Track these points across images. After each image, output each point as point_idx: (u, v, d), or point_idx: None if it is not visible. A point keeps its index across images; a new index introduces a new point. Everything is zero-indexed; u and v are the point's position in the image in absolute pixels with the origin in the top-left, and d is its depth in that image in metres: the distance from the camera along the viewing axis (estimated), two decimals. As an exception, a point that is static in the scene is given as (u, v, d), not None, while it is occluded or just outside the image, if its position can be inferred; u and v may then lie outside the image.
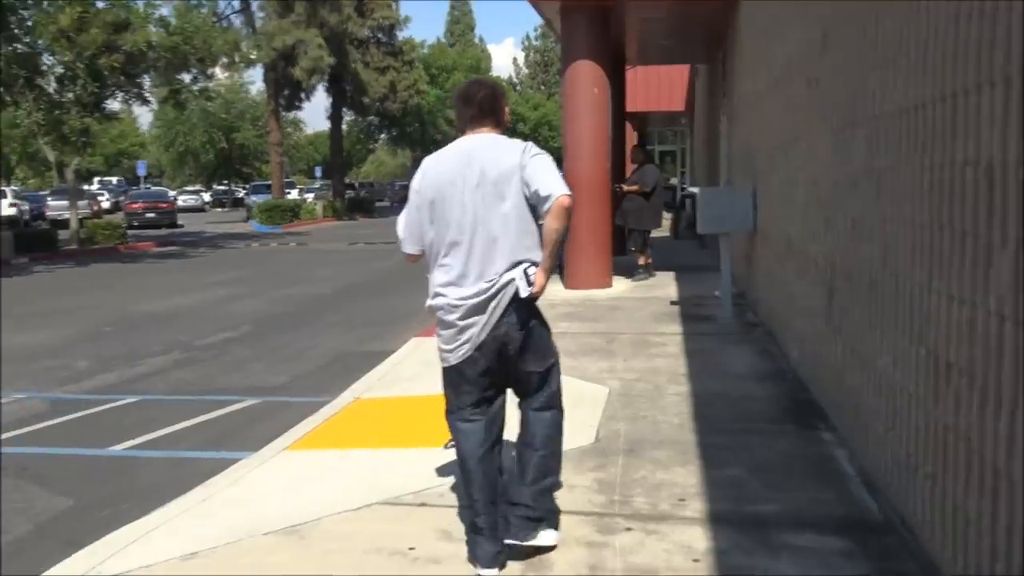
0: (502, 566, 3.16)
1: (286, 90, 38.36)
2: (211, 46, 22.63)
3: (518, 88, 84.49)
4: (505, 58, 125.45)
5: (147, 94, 23.39)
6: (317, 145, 69.12)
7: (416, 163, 35.81)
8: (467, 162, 3.10)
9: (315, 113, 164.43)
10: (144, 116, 62.18)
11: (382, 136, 55.34)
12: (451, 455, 4.59)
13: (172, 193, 59.24)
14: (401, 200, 46.80)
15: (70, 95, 21.12)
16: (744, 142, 9.50)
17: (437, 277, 3.19)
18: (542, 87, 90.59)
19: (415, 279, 14.67)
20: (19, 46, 19.90)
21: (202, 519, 3.82)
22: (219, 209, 52.89)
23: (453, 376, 3.31)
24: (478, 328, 3.12)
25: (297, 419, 5.54)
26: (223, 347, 8.54)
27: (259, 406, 6.22)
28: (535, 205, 3.06)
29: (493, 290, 3.08)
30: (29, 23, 20.48)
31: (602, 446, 4.64)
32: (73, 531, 4.04)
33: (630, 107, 17.19)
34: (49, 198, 35.34)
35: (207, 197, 56.40)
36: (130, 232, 30.62)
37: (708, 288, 10.21)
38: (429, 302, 3.29)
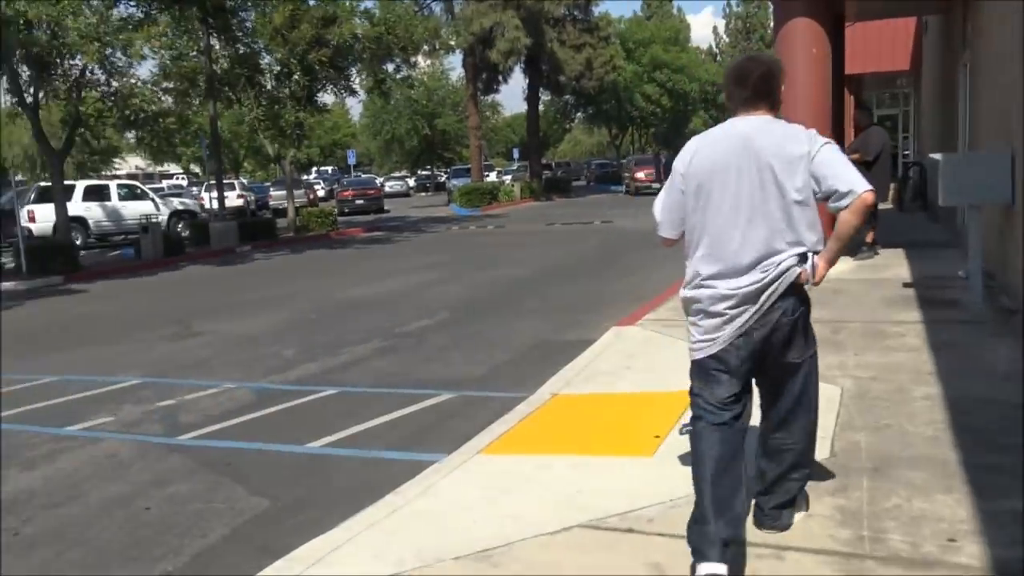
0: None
1: (484, 74, 38.86)
2: (412, 34, 23.12)
3: (718, 58, 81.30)
4: (704, 28, 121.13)
5: (354, 85, 24.31)
6: (515, 127, 70.02)
7: (613, 140, 35.22)
8: (742, 147, 2.94)
9: (512, 95, 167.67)
10: (356, 107, 65.53)
11: (578, 115, 55.03)
12: (659, 466, 4.10)
13: (379, 180, 62.40)
14: (597, 179, 46.34)
15: (285, 91, 22.33)
16: (997, 99, 8.16)
17: (701, 267, 3.01)
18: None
19: (612, 262, 14.31)
20: (240, 47, 21.22)
21: (389, 536, 3.54)
22: (423, 194, 54.82)
23: (709, 366, 3.09)
24: (747, 315, 2.95)
25: (492, 416, 5.24)
26: (421, 335, 8.46)
27: (455, 401, 5.98)
28: (826, 197, 2.90)
29: (769, 279, 2.92)
30: (248, 24, 21.85)
31: (840, 462, 3.95)
32: (266, 536, 3.92)
33: (848, 68, 15.66)
34: (272, 188, 37.95)
35: (411, 182, 58.63)
36: (341, 218, 32.36)
37: (946, 268, 8.95)
38: (687, 292, 3.12)
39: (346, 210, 33.90)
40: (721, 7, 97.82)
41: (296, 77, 21.76)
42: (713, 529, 2.82)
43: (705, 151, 3.01)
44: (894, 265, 9.73)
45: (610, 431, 4.81)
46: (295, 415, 5.92)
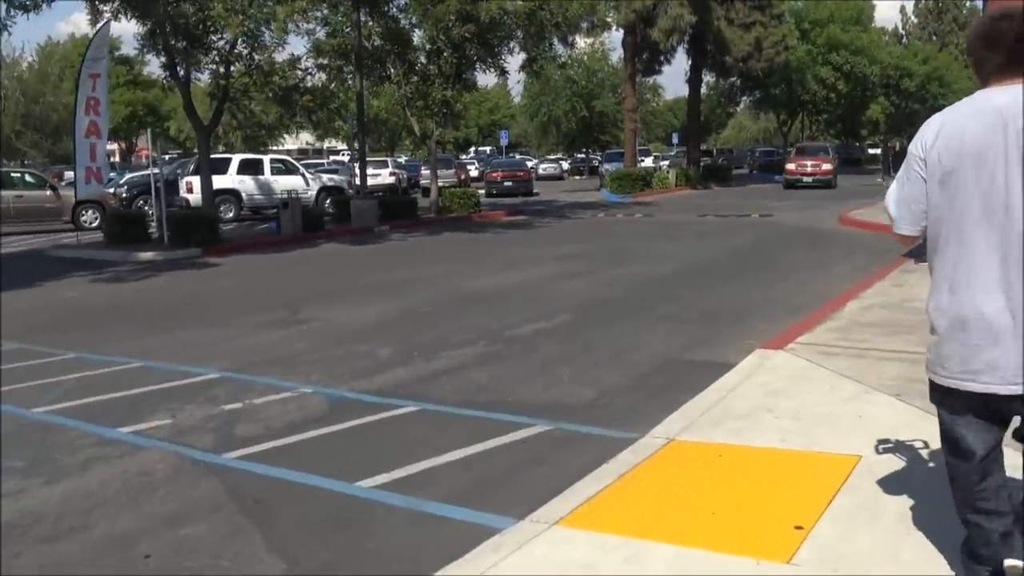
0: None
1: (644, 54, 37.15)
2: (567, 10, 22.01)
3: (904, 40, 75.29)
4: (890, 11, 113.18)
5: (505, 64, 23.46)
6: (676, 111, 67.51)
7: (781, 127, 32.62)
8: (1003, 125, 2.39)
9: (674, 77, 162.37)
10: (517, 87, 65.04)
11: (744, 99, 52.14)
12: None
13: (532, 162, 61.84)
14: (761, 168, 43.72)
15: (433, 68, 21.80)
16: None
17: (957, 275, 2.47)
18: (933, 37, 79.86)
19: (767, 263, 12.74)
20: (389, 22, 20.83)
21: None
22: (577, 177, 53.71)
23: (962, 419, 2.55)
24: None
25: (588, 464, 4.17)
26: (532, 341, 7.43)
27: (548, 436, 4.91)
28: None
29: None
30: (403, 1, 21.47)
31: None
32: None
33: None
34: (423, 167, 37.95)
35: (566, 165, 57.64)
36: (488, 200, 31.84)
37: None
38: (935, 315, 2.55)
39: (494, 191, 33.34)
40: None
41: (445, 55, 21.18)
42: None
43: (956, 130, 2.46)
44: None
45: (734, 508, 3.61)
46: (360, 437, 5.04)
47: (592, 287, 10.36)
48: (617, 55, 48.05)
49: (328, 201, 24.30)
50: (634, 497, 3.80)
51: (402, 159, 47.03)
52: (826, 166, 31.78)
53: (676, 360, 6.59)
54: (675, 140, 52.86)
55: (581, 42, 41.86)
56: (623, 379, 6.10)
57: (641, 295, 9.69)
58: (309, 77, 22.36)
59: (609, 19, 27.98)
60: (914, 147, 2.58)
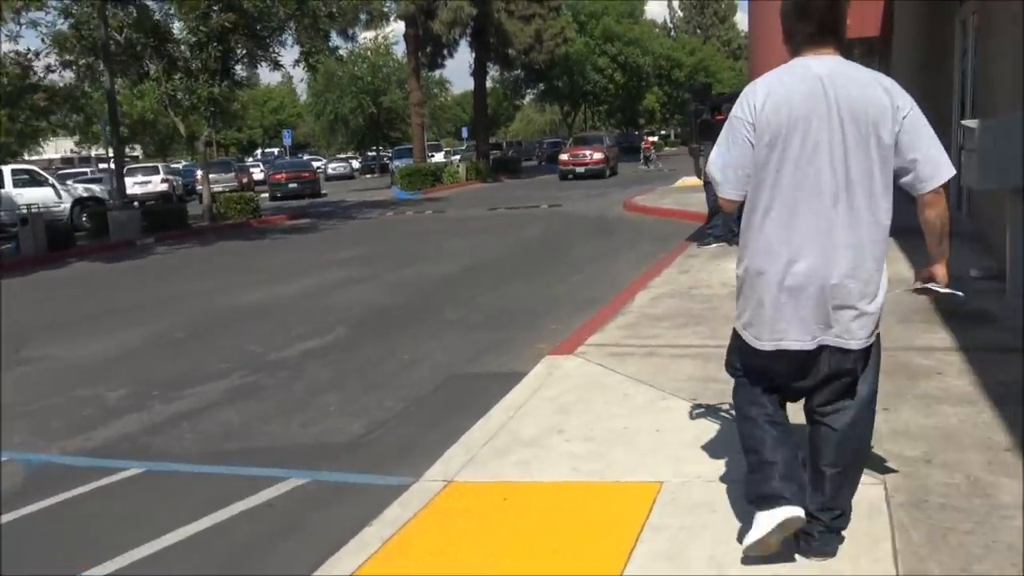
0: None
1: (428, 47, 36.57)
2: (340, 0, 20.89)
3: (672, 33, 79.75)
4: (657, 6, 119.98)
5: (278, 57, 21.95)
6: (464, 105, 67.58)
7: (565, 118, 33.10)
8: (822, 91, 2.51)
9: (461, 72, 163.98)
10: (302, 86, 62.39)
11: (529, 91, 52.94)
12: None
13: (321, 161, 59.65)
14: (549, 159, 44.45)
15: (197, 63, 19.99)
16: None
17: (791, 237, 2.55)
18: (698, 31, 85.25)
19: (557, 255, 12.38)
20: (134, 10, 18.78)
21: None
22: (368, 176, 52.38)
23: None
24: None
25: (349, 528, 3.35)
26: (300, 364, 6.49)
27: (304, 492, 4.04)
28: (903, 173, 2.54)
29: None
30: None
31: None
32: None
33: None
34: (200, 171, 35.30)
35: (356, 164, 56.11)
36: (272, 203, 30.03)
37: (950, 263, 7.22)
38: (762, 278, 2.62)
39: (278, 194, 31.58)
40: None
41: (209, 48, 19.42)
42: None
43: (783, 93, 2.55)
44: (889, 259, 7.99)
45: (523, 570, 2.93)
46: (54, 522, 3.93)
47: (375, 293, 9.52)
48: (402, 49, 47.20)
49: (84, 215, 21.74)
50: (401, 570, 3.03)
51: (179, 164, 43.60)
52: (598, 155, 31.32)
53: (460, 375, 5.89)
54: (465, 134, 52.77)
55: (364, 37, 40.70)
56: (399, 404, 5.31)
57: (427, 298, 8.97)
58: (52, 75, 19.95)
59: (387, 10, 27.08)
60: (740, 111, 2.60)
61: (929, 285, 2.83)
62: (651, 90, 58.53)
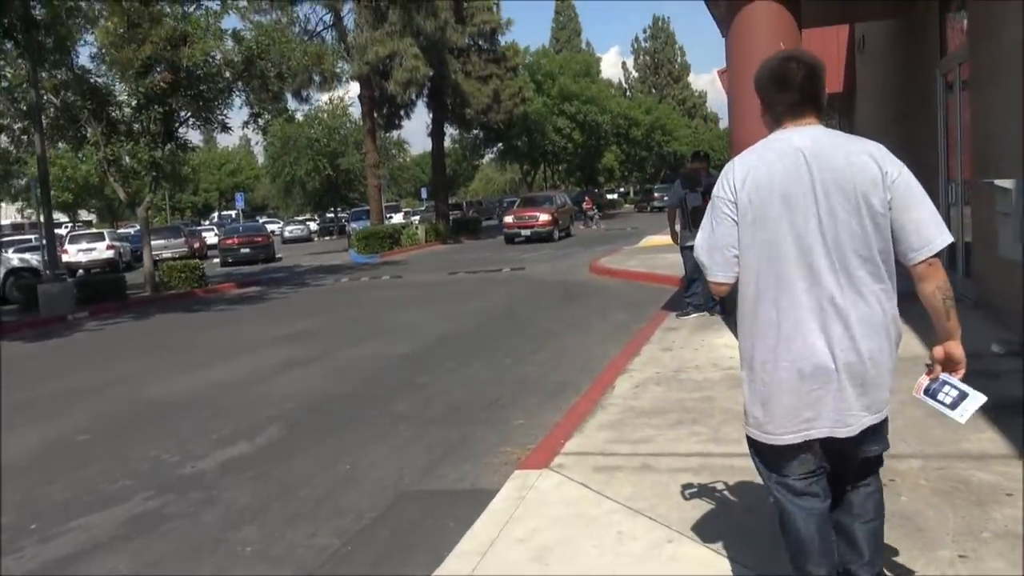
0: None
1: (384, 108, 36.00)
2: (288, 59, 20.09)
3: (627, 93, 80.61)
4: (612, 68, 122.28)
5: (225, 119, 21.00)
6: (423, 166, 67.15)
7: (525, 177, 32.31)
8: (805, 165, 2.40)
9: (421, 133, 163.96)
10: (260, 148, 61.25)
11: (488, 151, 52.59)
12: None
13: (278, 224, 58.50)
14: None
15: (137, 126, 18.99)
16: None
17: (783, 320, 2.42)
18: (653, 90, 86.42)
19: (522, 326, 11.10)
20: (64, 71, 17.76)
21: None
22: (327, 238, 51.30)
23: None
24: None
25: None
26: (217, 481, 5.37)
27: None
28: (896, 241, 2.39)
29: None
30: (86, 46, 18.52)
31: None
32: None
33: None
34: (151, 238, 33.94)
35: (314, 226, 55.06)
36: (224, 269, 28.80)
37: (966, 337, 6.37)
38: (763, 366, 2.46)
39: (230, 260, 30.36)
40: (628, 46, 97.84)
41: (148, 110, 18.41)
42: None
43: (763, 169, 2.44)
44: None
45: None
46: None
47: (318, 379, 8.44)
48: (359, 111, 46.76)
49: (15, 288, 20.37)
50: None
51: (131, 230, 42.13)
52: (544, 217, 29.13)
53: (412, 493, 4.84)
54: (424, 195, 52.05)
55: (321, 98, 39.95)
56: (333, 540, 4.23)
57: (377, 386, 7.91)
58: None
59: (340, 71, 26.41)
60: (721, 191, 2.50)
61: (937, 400, 2.49)
62: (609, 148, 58.62)
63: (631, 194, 74.26)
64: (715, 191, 2.52)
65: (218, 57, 18.03)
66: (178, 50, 16.68)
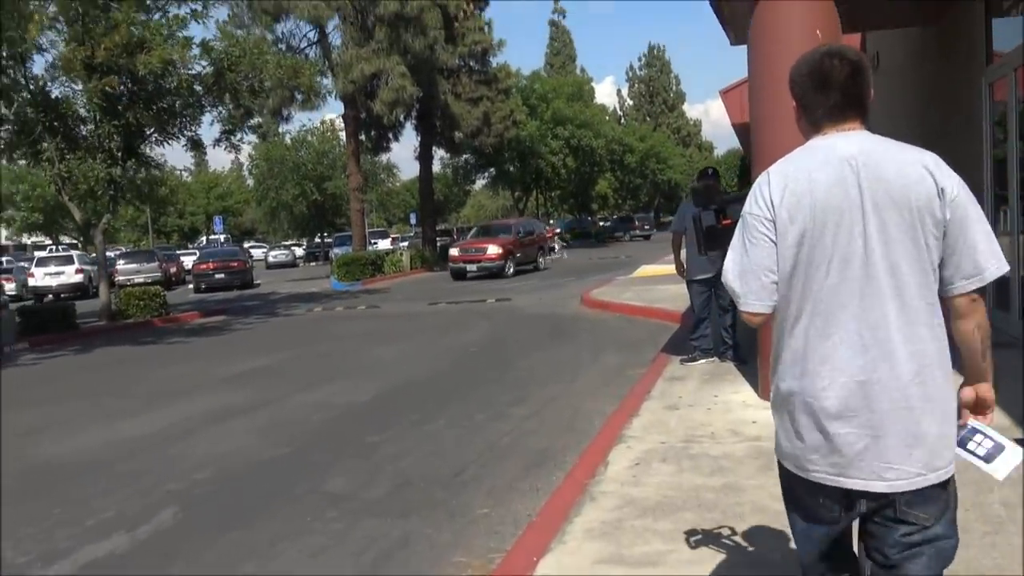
0: None
1: (372, 131, 34.77)
2: (262, 71, 18.76)
3: (622, 120, 79.77)
4: (606, 98, 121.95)
5: (195, 136, 19.64)
6: (414, 191, 65.91)
7: (517, 203, 30.58)
8: (856, 179, 2.04)
9: (410, 157, 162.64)
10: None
11: (480, 176, 51.41)
12: None
13: (263, 249, 57.07)
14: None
15: (92, 140, 17.59)
16: None
17: (814, 352, 2.05)
18: (647, 118, 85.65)
19: (503, 367, 8.40)
20: (5, 79, 16.37)
21: None
22: (313, 263, 49.86)
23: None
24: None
25: None
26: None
27: None
28: (942, 266, 2.03)
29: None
30: (42, 53, 17.16)
31: None
32: None
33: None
34: (120, 261, 32.50)
35: (300, 252, 53.68)
36: (197, 295, 27.33)
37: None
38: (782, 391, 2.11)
39: (203, 286, 28.87)
40: (623, 75, 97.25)
41: (106, 124, 17.03)
42: None
43: (803, 181, 2.05)
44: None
45: None
46: None
47: (252, 435, 6.98)
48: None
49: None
50: None
51: (112, 253, 40.62)
52: (494, 250, 24.93)
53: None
54: (413, 220, 50.76)
55: (312, 120, 38.71)
56: None
57: (317, 447, 6.47)
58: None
59: (318, 87, 25.14)
60: (755, 207, 2.11)
61: (967, 450, 2.06)
62: (603, 175, 57.54)
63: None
64: (747, 207, 2.13)
65: (180, 67, 16.64)
66: (134, 57, 15.28)
